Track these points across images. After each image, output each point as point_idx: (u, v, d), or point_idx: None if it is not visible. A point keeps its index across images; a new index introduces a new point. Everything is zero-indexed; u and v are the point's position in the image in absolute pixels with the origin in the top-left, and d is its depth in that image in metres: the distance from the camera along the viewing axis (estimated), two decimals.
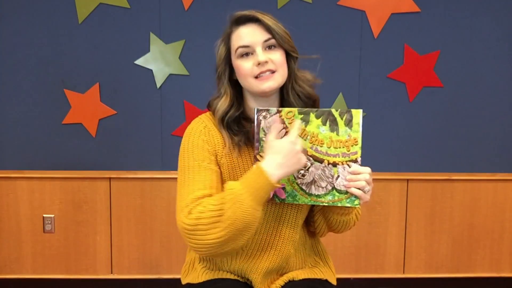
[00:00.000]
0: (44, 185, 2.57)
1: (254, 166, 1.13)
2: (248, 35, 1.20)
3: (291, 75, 1.25)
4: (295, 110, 1.17)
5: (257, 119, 1.17)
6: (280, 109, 1.17)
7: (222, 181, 1.23)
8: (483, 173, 2.66)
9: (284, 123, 1.17)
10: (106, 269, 2.64)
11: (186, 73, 2.53)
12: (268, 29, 1.19)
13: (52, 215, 2.59)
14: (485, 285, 2.68)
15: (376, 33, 2.54)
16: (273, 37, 1.19)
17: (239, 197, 1.08)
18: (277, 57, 1.20)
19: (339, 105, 2.55)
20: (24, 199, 2.58)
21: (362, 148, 1.16)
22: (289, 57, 1.24)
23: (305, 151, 1.15)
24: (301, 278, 1.30)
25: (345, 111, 1.15)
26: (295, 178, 1.18)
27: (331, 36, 2.53)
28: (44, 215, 2.59)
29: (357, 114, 1.14)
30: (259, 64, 1.18)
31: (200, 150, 1.22)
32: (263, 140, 1.17)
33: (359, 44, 2.55)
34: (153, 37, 2.50)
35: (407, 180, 2.65)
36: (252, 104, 1.27)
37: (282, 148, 1.11)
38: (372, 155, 2.60)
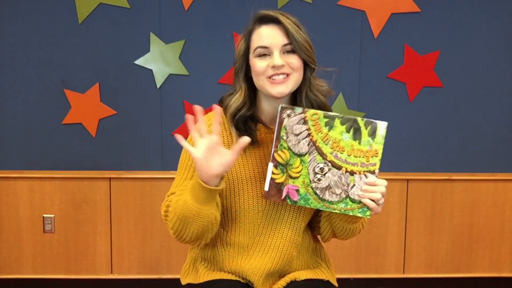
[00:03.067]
0: (44, 185, 2.57)
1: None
2: (268, 37, 1.19)
3: (306, 82, 1.24)
4: (320, 113, 1.16)
5: (280, 116, 1.16)
6: (306, 109, 1.16)
7: (225, 183, 1.24)
8: (483, 173, 2.66)
9: (307, 124, 1.16)
10: (106, 269, 2.64)
11: (186, 73, 2.53)
12: (287, 34, 1.18)
13: (52, 215, 2.59)
14: (485, 285, 2.68)
15: (376, 33, 2.54)
16: (291, 43, 1.19)
17: (182, 195, 1.15)
18: (294, 61, 1.19)
19: (339, 105, 2.55)
20: (24, 199, 2.58)
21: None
22: (305, 63, 1.23)
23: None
24: (303, 279, 1.30)
25: (370, 121, 1.16)
26: (310, 181, 1.17)
27: (331, 36, 2.53)
28: (44, 215, 2.59)
29: (382, 127, 1.16)
30: (273, 66, 1.18)
31: None
32: (283, 139, 1.16)
33: (359, 44, 2.55)
34: (153, 37, 2.50)
35: (407, 180, 2.65)
36: (264, 105, 1.27)
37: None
38: None
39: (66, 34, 2.49)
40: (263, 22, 1.21)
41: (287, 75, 1.19)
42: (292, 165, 1.17)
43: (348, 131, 1.16)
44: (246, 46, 1.24)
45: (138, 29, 2.50)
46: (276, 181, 1.17)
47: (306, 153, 1.16)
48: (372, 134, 1.16)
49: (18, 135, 2.55)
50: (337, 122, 1.15)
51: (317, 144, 1.16)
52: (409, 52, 2.56)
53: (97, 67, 2.52)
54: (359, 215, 1.17)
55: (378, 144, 1.16)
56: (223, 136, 1.26)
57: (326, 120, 1.16)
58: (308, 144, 1.16)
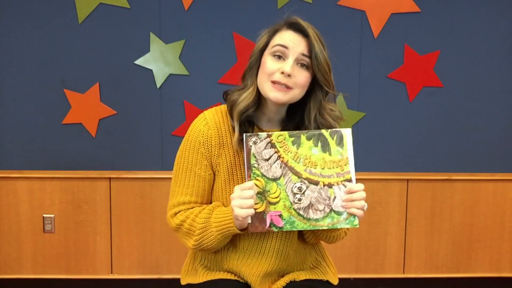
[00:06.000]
0: (44, 185, 2.57)
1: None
2: (291, 40, 1.18)
3: (317, 104, 1.22)
4: (285, 133, 1.15)
5: (247, 145, 1.15)
6: (270, 133, 1.15)
7: (218, 183, 1.26)
8: (483, 173, 2.66)
9: (275, 147, 1.15)
10: (106, 269, 2.64)
11: (186, 73, 2.53)
12: (310, 48, 1.17)
13: (52, 215, 2.59)
14: (485, 285, 2.68)
15: (376, 33, 2.54)
16: (310, 57, 1.17)
17: (209, 228, 1.20)
18: (301, 77, 1.18)
19: (340, 105, 2.55)
20: (24, 199, 2.58)
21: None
22: (318, 85, 1.21)
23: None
24: (302, 279, 1.30)
25: (335, 131, 1.15)
26: (291, 203, 1.15)
27: (331, 36, 2.50)
28: (44, 215, 2.59)
29: (347, 133, 1.15)
30: (282, 72, 1.16)
31: (195, 153, 1.25)
32: (254, 167, 1.15)
33: (359, 44, 2.55)
34: (153, 37, 2.50)
35: (407, 180, 2.64)
36: (262, 107, 1.25)
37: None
38: (372, 155, 2.60)
39: (66, 34, 2.49)
40: (292, 28, 1.20)
41: (289, 88, 1.18)
42: (269, 191, 1.15)
43: (316, 145, 1.15)
44: (266, 43, 1.22)
45: (138, 29, 2.50)
46: (257, 211, 1.14)
47: (280, 176, 1.15)
48: (340, 142, 1.15)
49: (18, 135, 2.55)
50: (303, 138, 1.15)
51: (289, 165, 1.15)
52: (409, 52, 2.56)
53: (97, 67, 2.51)
54: (347, 226, 1.16)
55: (347, 151, 1.15)
56: (217, 139, 1.24)
57: (292, 139, 1.15)
58: (281, 167, 1.15)
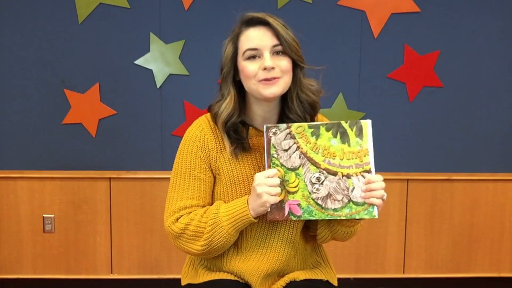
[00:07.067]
0: (44, 185, 2.57)
1: (244, 198, 1.18)
2: (257, 38, 1.19)
3: (297, 83, 1.23)
4: (304, 125, 1.17)
5: (267, 136, 1.17)
6: (290, 124, 1.17)
7: (219, 186, 1.26)
8: (483, 173, 2.66)
9: (294, 138, 1.17)
10: (106, 269, 2.64)
11: (186, 73, 2.53)
12: (277, 35, 1.18)
13: (52, 215, 2.59)
14: (485, 285, 2.68)
15: (376, 33, 2.54)
16: (281, 44, 1.18)
17: (220, 223, 1.18)
18: (284, 64, 1.19)
19: (340, 105, 2.55)
20: (24, 199, 2.58)
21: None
22: (295, 64, 1.22)
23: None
24: (302, 279, 1.30)
25: (354, 122, 1.16)
26: (309, 193, 1.16)
27: (331, 36, 2.53)
28: (44, 215, 2.59)
29: (366, 125, 1.16)
30: (265, 69, 1.17)
31: (193, 157, 1.25)
32: (274, 157, 1.17)
33: (359, 44, 2.55)
34: (153, 37, 2.50)
35: (407, 180, 2.65)
36: (255, 108, 1.26)
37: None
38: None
39: (66, 34, 2.49)
40: (251, 25, 1.21)
41: (278, 78, 1.18)
42: (288, 180, 1.16)
43: (335, 136, 1.16)
44: (234, 49, 1.23)
45: (138, 29, 2.50)
46: None
47: (299, 166, 1.16)
48: (359, 134, 1.16)
49: (18, 135, 2.55)
50: (322, 129, 1.16)
51: (308, 155, 1.16)
52: (409, 52, 2.56)
53: (97, 67, 2.52)
54: (366, 217, 1.16)
55: (367, 143, 1.16)
56: (214, 143, 1.25)
57: (311, 130, 1.17)
58: (300, 157, 1.16)
